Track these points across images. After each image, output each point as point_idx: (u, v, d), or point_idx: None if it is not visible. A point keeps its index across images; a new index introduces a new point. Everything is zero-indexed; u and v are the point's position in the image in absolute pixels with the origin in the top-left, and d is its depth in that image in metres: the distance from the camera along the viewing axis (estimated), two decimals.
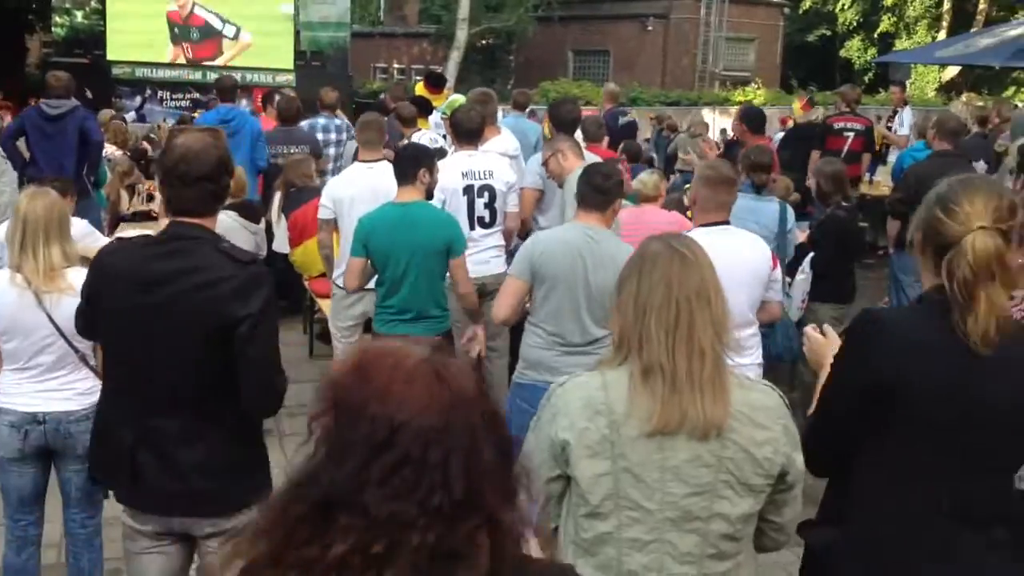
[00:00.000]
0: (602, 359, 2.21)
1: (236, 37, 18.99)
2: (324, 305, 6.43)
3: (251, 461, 2.83)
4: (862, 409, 2.18)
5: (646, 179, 6.18)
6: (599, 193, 4.07)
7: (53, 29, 20.35)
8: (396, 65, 31.35)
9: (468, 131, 5.49)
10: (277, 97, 9.27)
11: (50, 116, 7.61)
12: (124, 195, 8.35)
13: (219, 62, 18.75)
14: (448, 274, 4.78)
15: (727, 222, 4.20)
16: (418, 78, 14.23)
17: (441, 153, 6.24)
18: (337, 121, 8.88)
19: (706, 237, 4.03)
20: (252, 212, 6.79)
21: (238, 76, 14.41)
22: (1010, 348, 2.08)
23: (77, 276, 3.27)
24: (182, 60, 19.05)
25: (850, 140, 9.77)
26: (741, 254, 4.12)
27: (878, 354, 2.15)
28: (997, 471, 2.20)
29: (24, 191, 3.68)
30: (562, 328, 4.04)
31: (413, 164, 4.73)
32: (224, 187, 2.79)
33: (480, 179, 5.57)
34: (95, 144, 7.82)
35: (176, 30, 19.02)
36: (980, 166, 7.86)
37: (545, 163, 5.47)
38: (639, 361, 2.08)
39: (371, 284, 5.17)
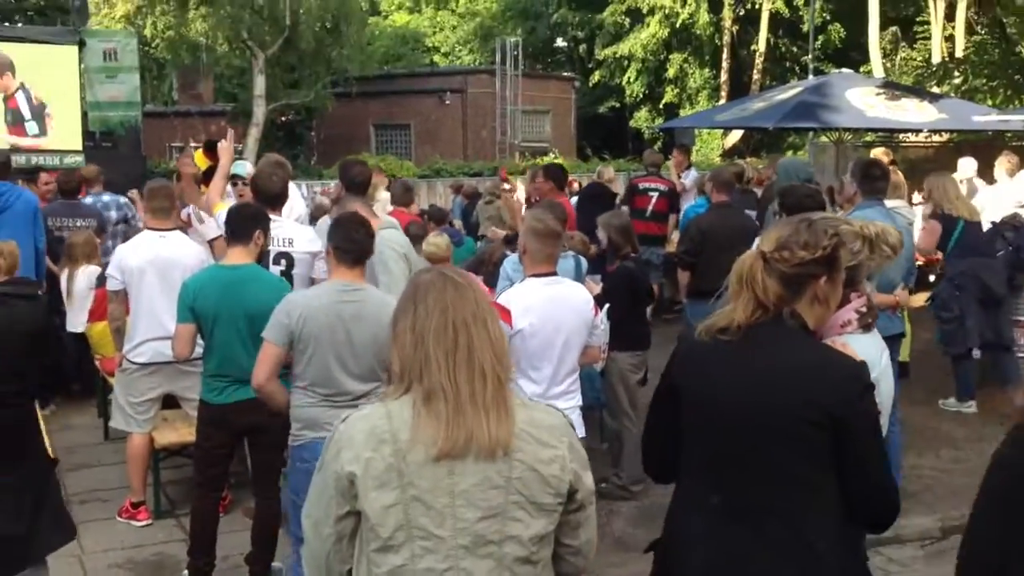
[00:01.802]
0: (383, 392, 2.23)
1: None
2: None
3: None
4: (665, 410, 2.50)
5: (437, 240, 6.33)
6: (353, 246, 4.06)
7: None
8: (192, 144, 30.53)
9: (271, 196, 5.40)
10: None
11: None
12: None
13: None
14: None
15: (555, 273, 4.39)
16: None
17: None
18: (121, 199, 8.63)
19: (541, 287, 4.26)
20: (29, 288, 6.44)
21: (22, 159, 13.74)
22: (780, 354, 2.31)
23: None
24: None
25: (655, 199, 10.30)
26: (570, 302, 4.37)
27: (672, 361, 2.51)
28: (767, 467, 2.37)
29: None
30: (330, 386, 4.03)
31: (249, 224, 4.62)
32: None
33: (278, 246, 5.38)
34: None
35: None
36: (750, 214, 8.42)
37: None
38: (421, 387, 2.09)
39: (166, 357, 5.03)
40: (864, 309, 2.69)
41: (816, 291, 2.42)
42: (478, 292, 2.22)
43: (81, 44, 19.29)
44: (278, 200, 5.50)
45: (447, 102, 30.14)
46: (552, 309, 4.26)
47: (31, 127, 18.21)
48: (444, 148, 28.55)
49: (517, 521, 2.09)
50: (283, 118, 28.19)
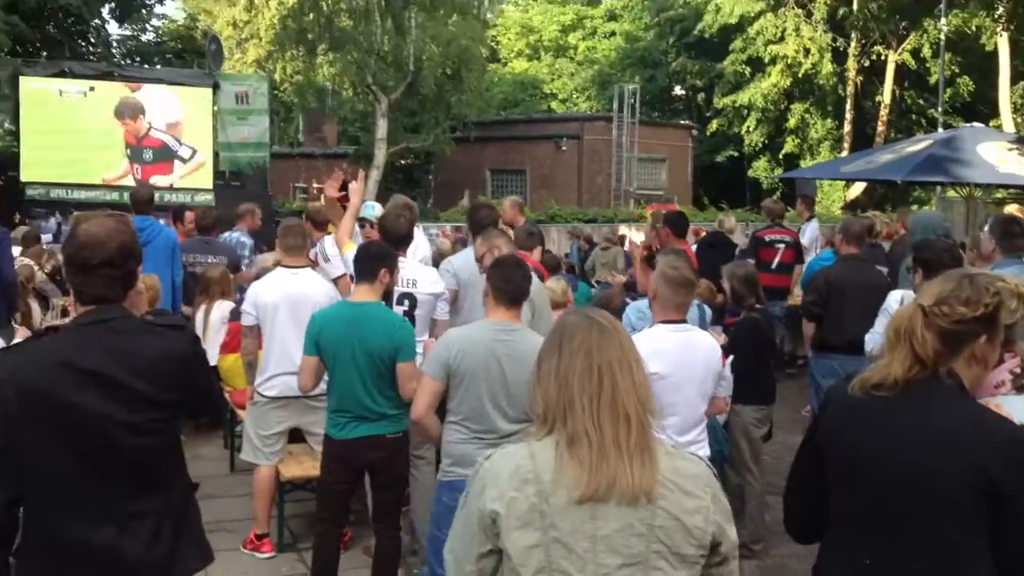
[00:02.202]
0: (527, 433, 2.22)
1: (191, 158, 19.22)
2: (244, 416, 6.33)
3: None
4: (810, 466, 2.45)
5: (554, 286, 6.33)
6: (511, 287, 4.13)
7: None
8: (316, 185, 31.53)
9: (397, 237, 5.50)
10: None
11: None
12: (36, 307, 8.12)
13: (168, 183, 18.86)
14: None
15: (684, 320, 4.35)
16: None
17: None
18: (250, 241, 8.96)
19: (670, 333, 4.21)
20: (175, 319, 6.70)
21: (156, 196, 14.36)
22: (937, 414, 2.24)
23: None
24: (130, 180, 18.84)
25: (781, 252, 10.07)
26: (699, 350, 4.31)
27: (821, 415, 2.46)
28: (921, 529, 2.28)
29: None
30: (482, 423, 4.07)
31: (376, 262, 4.70)
32: (129, 273, 2.70)
33: (402, 287, 5.44)
34: (9, 287, 7.47)
35: (130, 151, 19.07)
36: (881, 270, 8.17)
37: (480, 258, 5.43)
38: (564, 430, 2.08)
39: (295, 392, 5.13)
40: (1018, 370, 2.59)
41: (975, 350, 2.34)
42: (623, 336, 2.20)
43: (215, 87, 20.18)
44: (404, 241, 5.61)
45: (563, 148, 30.36)
46: (681, 356, 4.20)
47: (165, 166, 19.14)
48: (559, 194, 28.71)
49: (658, 571, 2.05)
50: (403, 161, 28.84)
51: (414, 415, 4.22)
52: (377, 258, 4.73)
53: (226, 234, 8.81)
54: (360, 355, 4.56)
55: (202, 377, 2.82)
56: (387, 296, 4.88)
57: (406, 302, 5.46)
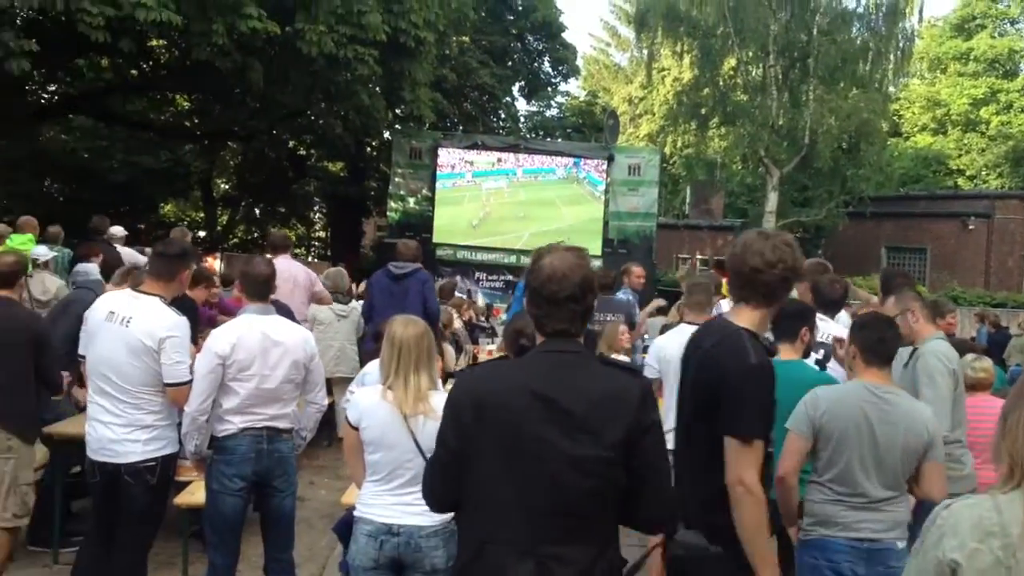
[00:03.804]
0: (991, 487, 2.09)
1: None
2: None
3: None
4: None
5: (982, 365, 5.79)
6: (883, 347, 3.98)
7: (388, 214, 22.54)
8: (699, 256, 31.84)
9: (831, 301, 5.43)
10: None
11: (395, 275, 8.37)
12: (450, 351, 8.81)
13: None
14: None
15: None
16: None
17: None
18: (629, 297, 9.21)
19: None
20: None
21: None
22: None
23: (439, 399, 3.53)
24: (523, 245, 20.40)
25: None
26: None
27: None
28: None
29: (396, 319, 4.04)
30: (848, 485, 3.89)
31: (797, 321, 4.66)
32: (588, 307, 2.70)
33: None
34: (432, 312, 8.37)
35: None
36: None
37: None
38: None
39: None
40: None
41: None
42: None
43: (610, 159, 21.11)
44: (836, 305, 5.56)
45: (970, 227, 28.22)
46: None
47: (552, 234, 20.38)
48: (963, 275, 26.71)
49: None
50: (792, 235, 28.34)
51: (778, 473, 3.95)
52: (797, 316, 4.67)
53: (619, 293, 9.11)
54: (782, 416, 4.51)
55: (646, 421, 2.59)
56: (807, 354, 4.80)
57: (820, 351, 5.35)
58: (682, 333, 5.71)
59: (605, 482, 2.55)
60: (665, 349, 5.71)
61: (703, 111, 26.86)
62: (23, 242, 10.23)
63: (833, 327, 5.45)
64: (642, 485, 2.55)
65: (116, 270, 6.75)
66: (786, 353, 4.62)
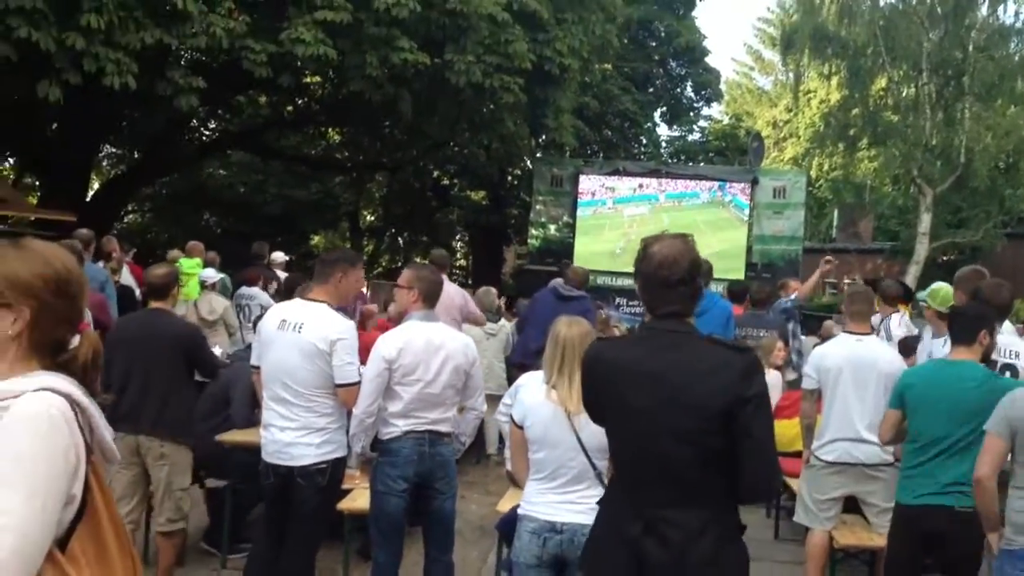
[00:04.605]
0: None
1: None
2: (792, 484, 6.33)
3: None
4: None
5: None
6: None
7: (528, 241, 22.75)
8: (846, 280, 30.91)
9: (997, 307, 5.25)
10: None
11: (563, 296, 8.55)
12: None
13: None
14: None
15: None
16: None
17: None
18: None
19: None
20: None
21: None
22: None
23: None
24: None
25: None
26: None
27: None
28: None
29: (560, 319, 4.14)
30: None
31: (975, 323, 4.59)
32: (698, 288, 2.88)
33: (1003, 357, 5.31)
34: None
35: None
36: None
37: None
38: None
39: (854, 458, 5.04)
40: None
41: None
42: None
43: (754, 182, 20.84)
44: (1005, 312, 5.45)
45: None
46: None
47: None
48: None
49: None
50: (945, 257, 27.18)
51: (976, 475, 3.94)
52: (975, 319, 4.60)
53: (784, 302, 9.10)
54: (956, 420, 4.43)
55: (747, 392, 2.70)
56: (985, 359, 4.68)
57: (1007, 373, 5.26)
58: (843, 343, 5.63)
59: (707, 451, 2.70)
60: (826, 358, 5.61)
61: (851, 132, 26.15)
62: (192, 266, 10.85)
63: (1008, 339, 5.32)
64: (741, 455, 2.66)
65: (295, 287, 7.03)
66: (960, 354, 4.52)
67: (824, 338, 9.36)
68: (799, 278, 21.40)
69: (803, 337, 9.18)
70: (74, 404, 1.87)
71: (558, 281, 8.84)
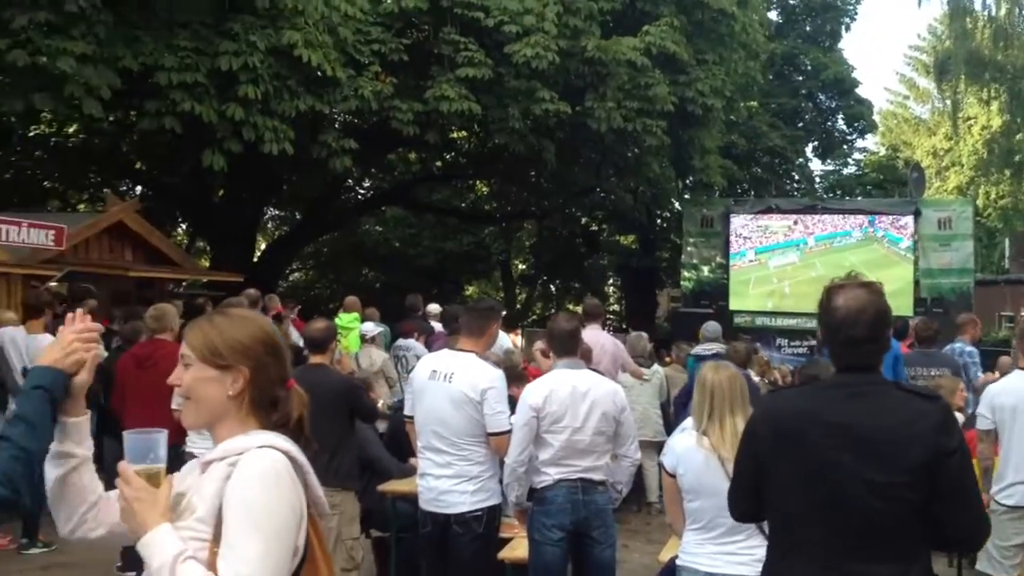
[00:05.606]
0: None
1: None
2: None
3: None
4: None
5: None
6: None
7: (681, 283, 22.51)
8: (1022, 312, 29.22)
9: None
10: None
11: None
12: None
13: None
14: None
15: None
16: None
17: None
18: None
19: None
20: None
21: None
22: None
23: None
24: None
25: None
26: None
27: None
28: None
29: (706, 364, 4.07)
30: None
31: None
32: (886, 341, 2.72)
33: None
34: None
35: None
36: None
37: None
38: None
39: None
40: None
41: None
42: None
43: (916, 214, 20.03)
44: None
45: None
46: None
47: None
48: None
49: None
50: None
51: None
52: None
53: (948, 346, 8.68)
54: None
55: (948, 445, 2.55)
56: None
57: None
58: (1018, 380, 5.29)
59: (904, 505, 2.57)
60: (999, 396, 5.29)
61: (1017, 158, 24.95)
62: (350, 320, 11.16)
63: None
64: (949, 507, 2.55)
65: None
66: None
67: (1001, 374, 8.84)
68: (972, 313, 20.49)
69: (980, 375, 8.69)
70: (292, 460, 1.97)
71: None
